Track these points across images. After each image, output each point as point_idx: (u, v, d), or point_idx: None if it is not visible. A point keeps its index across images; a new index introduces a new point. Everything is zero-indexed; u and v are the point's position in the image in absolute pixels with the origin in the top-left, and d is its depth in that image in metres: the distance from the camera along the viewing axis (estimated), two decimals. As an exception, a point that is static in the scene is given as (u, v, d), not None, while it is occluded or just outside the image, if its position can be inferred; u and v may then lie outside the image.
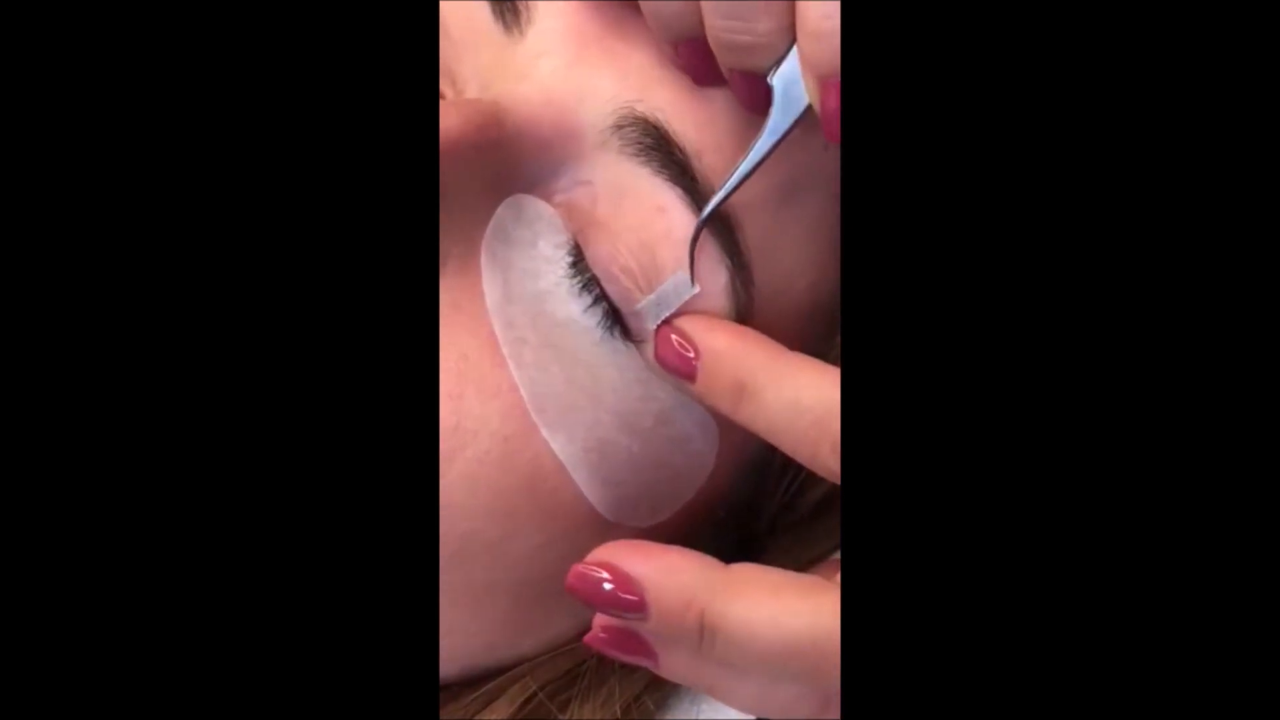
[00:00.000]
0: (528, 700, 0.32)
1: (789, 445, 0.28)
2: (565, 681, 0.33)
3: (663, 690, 0.34)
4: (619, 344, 0.30)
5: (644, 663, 0.28)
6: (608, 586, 0.27)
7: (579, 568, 0.27)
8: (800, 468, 0.35)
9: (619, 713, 0.32)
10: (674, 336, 0.30)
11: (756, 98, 0.29)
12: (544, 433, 0.29)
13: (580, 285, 0.29)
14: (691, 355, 0.29)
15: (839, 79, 0.25)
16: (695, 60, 0.29)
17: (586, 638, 0.28)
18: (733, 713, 0.34)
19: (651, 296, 0.30)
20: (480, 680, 0.33)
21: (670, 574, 0.27)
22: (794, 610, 0.26)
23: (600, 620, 0.28)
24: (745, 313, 0.30)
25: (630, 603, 0.27)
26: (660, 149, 0.29)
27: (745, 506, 0.35)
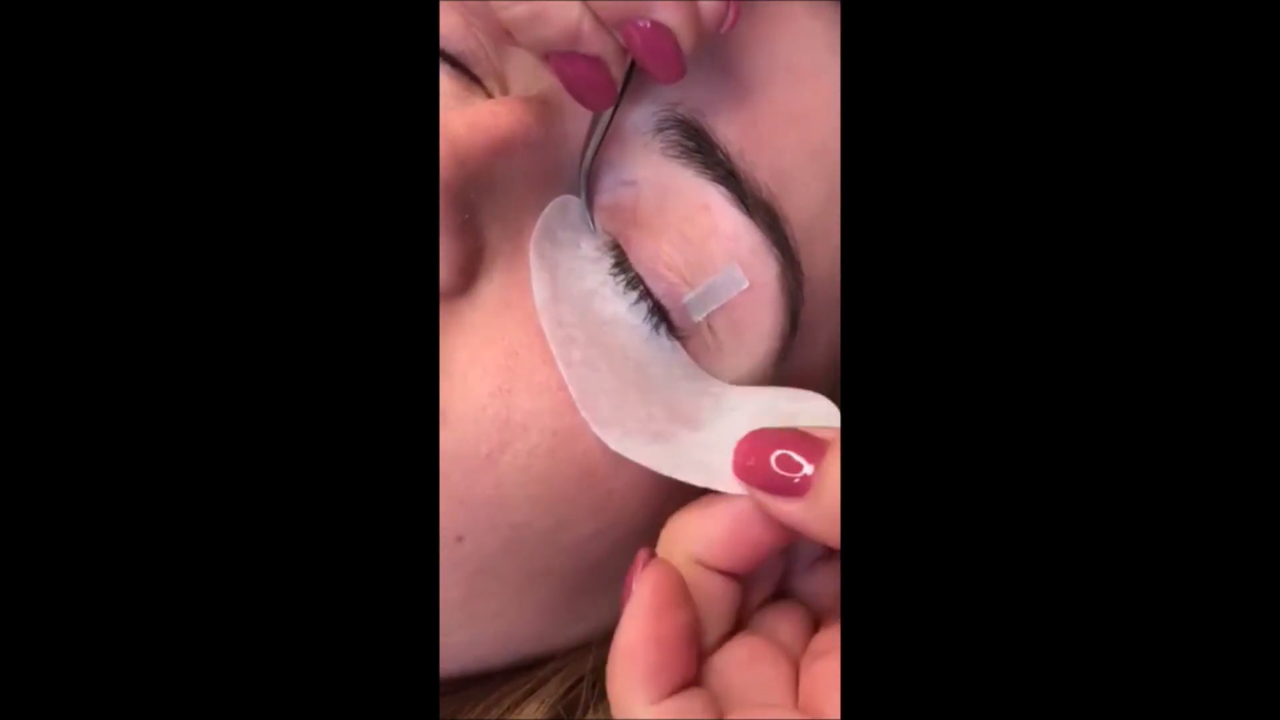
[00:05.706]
0: (570, 689, 0.32)
1: None
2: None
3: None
4: (664, 340, 0.30)
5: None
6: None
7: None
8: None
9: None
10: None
11: (597, 77, 0.28)
12: (595, 429, 0.29)
13: (624, 284, 0.30)
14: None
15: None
16: (565, 68, 0.27)
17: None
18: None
19: (699, 289, 0.30)
20: (526, 669, 0.33)
21: None
22: None
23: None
24: (796, 301, 0.31)
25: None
26: (702, 151, 0.30)
27: None
